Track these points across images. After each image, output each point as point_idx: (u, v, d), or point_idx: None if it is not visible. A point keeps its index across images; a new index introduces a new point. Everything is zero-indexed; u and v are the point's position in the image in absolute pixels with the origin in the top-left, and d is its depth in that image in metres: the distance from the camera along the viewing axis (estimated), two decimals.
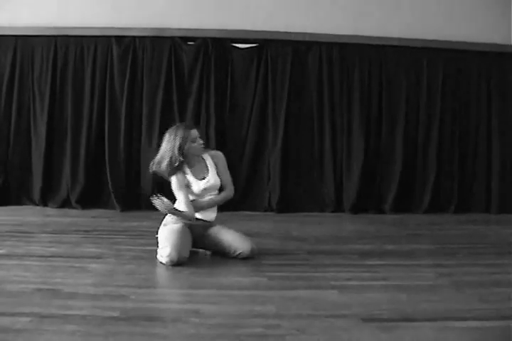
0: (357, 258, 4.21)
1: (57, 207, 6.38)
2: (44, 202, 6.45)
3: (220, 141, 6.57)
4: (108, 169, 6.48)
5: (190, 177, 4.10)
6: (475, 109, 7.09)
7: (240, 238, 4.07)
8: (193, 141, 4.07)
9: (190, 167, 4.13)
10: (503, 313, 2.96)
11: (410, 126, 6.91)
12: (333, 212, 6.63)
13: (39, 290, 3.21)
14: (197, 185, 4.09)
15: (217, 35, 6.55)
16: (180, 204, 3.97)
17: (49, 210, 6.27)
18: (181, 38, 6.56)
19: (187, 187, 4.07)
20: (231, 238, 4.06)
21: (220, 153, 4.32)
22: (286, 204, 6.62)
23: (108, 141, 6.51)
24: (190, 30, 6.52)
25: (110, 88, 6.53)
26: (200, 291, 3.31)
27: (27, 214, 5.96)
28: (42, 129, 6.48)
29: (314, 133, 6.79)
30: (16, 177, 6.53)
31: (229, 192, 4.22)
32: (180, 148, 4.02)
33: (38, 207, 6.35)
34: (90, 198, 6.48)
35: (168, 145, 4.05)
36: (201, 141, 4.14)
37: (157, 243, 4.00)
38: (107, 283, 3.42)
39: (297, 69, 6.73)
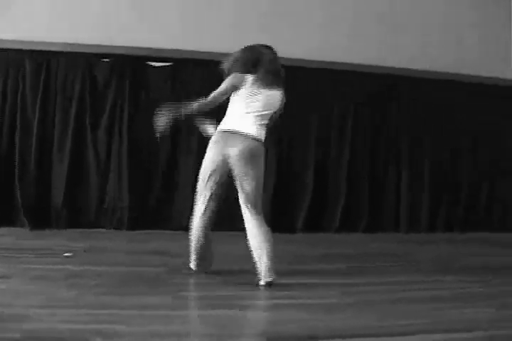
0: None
1: None
2: None
3: (133, 159, 6.54)
4: (18, 186, 6.32)
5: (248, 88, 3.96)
6: (385, 131, 7.35)
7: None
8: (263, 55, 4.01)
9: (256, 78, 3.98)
10: (403, 330, 3.05)
11: (322, 145, 7.09)
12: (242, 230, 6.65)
13: None
14: (253, 95, 3.95)
15: (132, 53, 6.53)
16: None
17: None
18: (96, 54, 6.50)
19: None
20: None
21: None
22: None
23: (18, 158, 6.37)
24: (105, 47, 6.46)
25: (22, 103, 6.39)
26: (106, 311, 3.26)
27: None
28: None
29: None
30: None
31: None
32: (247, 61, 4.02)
33: None
34: None
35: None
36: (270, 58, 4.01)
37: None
38: (10, 304, 3.33)
39: (211, 88, 6.76)
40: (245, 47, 4.07)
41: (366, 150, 7.30)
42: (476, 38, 7.70)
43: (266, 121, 3.99)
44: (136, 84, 6.60)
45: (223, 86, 4.02)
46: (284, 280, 4.03)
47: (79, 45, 6.39)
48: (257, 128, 3.92)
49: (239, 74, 3.97)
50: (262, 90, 3.93)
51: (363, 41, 7.15)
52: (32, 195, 6.37)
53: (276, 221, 6.67)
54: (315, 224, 6.94)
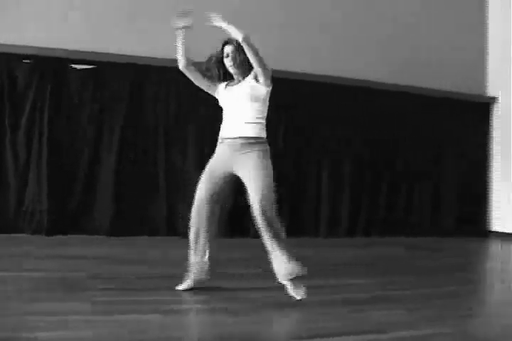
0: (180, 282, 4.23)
1: None
2: None
3: (53, 161, 6.45)
4: None
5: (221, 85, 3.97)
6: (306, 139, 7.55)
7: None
8: (225, 56, 3.90)
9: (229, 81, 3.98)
10: (315, 333, 3.12)
11: None
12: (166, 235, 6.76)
13: None
14: (224, 95, 3.93)
15: (54, 55, 6.44)
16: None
17: None
18: (17, 55, 6.38)
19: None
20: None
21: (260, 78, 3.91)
22: (120, 228, 6.61)
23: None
24: (26, 48, 6.35)
25: None
26: (24, 317, 3.19)
27: None
28: None
29: (151, 154, 6.90)
30: None
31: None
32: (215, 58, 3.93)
33: None
34: None
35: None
36: (230, 59, 3.88)
37: None
38: None
39: (135, 92, 6.79)
40: None
41: (287, 154, 7.43)
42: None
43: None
44: (58, 86, 6.50)
45: None
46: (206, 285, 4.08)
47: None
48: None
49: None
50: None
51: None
52: None
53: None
54: (234, 228, 6.98)
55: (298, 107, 7.51)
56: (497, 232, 8.61)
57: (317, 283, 4.27)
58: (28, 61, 6.44)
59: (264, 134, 3.88)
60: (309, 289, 3.84)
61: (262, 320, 3.36)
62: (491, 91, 8.97)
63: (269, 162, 3.83)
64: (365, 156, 7.88)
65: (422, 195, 8.34)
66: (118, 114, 6.71)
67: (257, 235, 3.93)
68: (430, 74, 8.30)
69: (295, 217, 7.40)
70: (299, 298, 3.77)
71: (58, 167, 6.45)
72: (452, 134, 8.55)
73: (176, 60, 3.96)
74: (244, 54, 3.76)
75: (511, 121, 8.57)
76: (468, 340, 3.15)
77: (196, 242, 3.94)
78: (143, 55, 6.69)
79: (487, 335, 3.25)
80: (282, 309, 3.63)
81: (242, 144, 3.80)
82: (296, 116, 7.49)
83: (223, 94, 3.94)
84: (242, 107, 3.83)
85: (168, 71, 6.66)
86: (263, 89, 3.84)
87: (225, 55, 3.89)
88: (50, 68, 6.47)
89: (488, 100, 8.92)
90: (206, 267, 3.95)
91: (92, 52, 6.53)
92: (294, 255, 3.83)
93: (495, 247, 7.91)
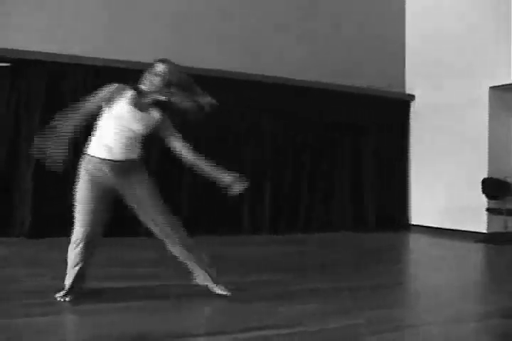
0: (100, 281, 4.15)
1: None
2: None
3: None
4: None
5: (122, 104, 3.68)
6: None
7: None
8: (153, 75, 3.69)
9: (139, 96, 3.73)
10: (220, 329, 3.15)
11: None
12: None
13: None
14: (124, 110, 3.66)
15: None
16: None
17: None
18: None
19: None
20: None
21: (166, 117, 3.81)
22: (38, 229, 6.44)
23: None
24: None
25: None
26: None
27: None
28: None
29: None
30: None
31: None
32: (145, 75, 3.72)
33: None
34: None
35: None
36: (157, 80, 3.68)
37: None
38: None
39: (52, 91, 6.62)
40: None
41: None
42: None
43: None
44: None
45: None
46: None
47: None
48: None
49: None
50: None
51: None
52: None
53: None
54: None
55: None
56: (416, 225, 8.81)
57: (231, 280, 4.27)
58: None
59: None
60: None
61: (158, 320, 3.35)
62: (408, 89, 9.16)
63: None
64: (287, 155, 7.93)
65: (343, 192, 8.45)
66: (35, 112, 6.55)
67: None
68: (350, 71, 8.42)
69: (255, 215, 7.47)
70: (225, 293, 3.89)
71: None
72: (371, 131, 8.69)
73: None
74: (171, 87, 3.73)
75: (428, 118, 8.78)
76: (382, 328, 3.22)
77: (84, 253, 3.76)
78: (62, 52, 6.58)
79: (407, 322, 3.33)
80: (185, 306, 3.65)
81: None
82: None
83: (127, 110, 3.70)
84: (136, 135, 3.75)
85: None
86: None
87: (154, 72, 3.72)
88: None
89: (407, 97, 9.10)
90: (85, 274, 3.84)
91: (9, 49, 6.36)
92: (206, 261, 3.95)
93: (411, 240, 8.14)
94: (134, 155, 3.76)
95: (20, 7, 6.51)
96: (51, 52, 6.53)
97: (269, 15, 7.99)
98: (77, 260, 3.68)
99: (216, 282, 3.94)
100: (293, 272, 4.89)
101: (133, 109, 3.68)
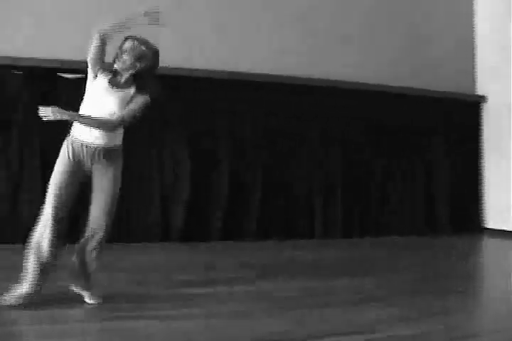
0: (178, 287, 4.29)
1: None
2: None
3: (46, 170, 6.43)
4: None
5: (101, 81, 3.73)
6: (299, 139, 7.59)
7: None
8: (121, 52, 3.70)
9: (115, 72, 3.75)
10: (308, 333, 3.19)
11: (235, 156, 7.24)
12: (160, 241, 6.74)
13: None
14: (101, 91, 3.71)
15: (45, 65, 6.46)
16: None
17: None
18: (7, 66, 6.40)
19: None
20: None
21: (143, 95, 3.76)
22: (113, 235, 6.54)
23: None
24: (17, 59, 6.35)
25: None
26: (21, 327, 3.25)
27: None
28: None
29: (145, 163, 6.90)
30: None
31: (118, 118, 3.70)
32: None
33: None
34: None
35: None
36: (125, 57, 3.67)
37: None
38: None
39: None
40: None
41: (281, 158, 7.47)
42: None
43: None
44: (48, 95, 6.50)
45: None
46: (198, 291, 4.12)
47: None
48: None
49: None
50: None
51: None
52: None
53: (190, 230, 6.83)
54: (231, 233, 7.02)
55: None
56: (491, 229, 8.64)
57: (306, 285, 4.32)
58: (19, 72, 6.45)
59: None
60: (299, 291, 3.90)
61: (257, 323, 3.40)
62: (480, 90, 9.00)
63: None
64: (354, 156, 7.91)
65: (414, 195, 8.36)
66: None
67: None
68: (419, 73, 8.34)
69: (290, 219, 7.45)
70: (94, 302, 3.80)
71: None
72: (442, 133, 8.58)
73: None
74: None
75: (501, 119, 8.60)
76: (460, 335, 3.19)
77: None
78: None
79: (476, 330, 3.32)
80: (271, 311, 3.68)
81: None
82: None
83: (102, 86, 3.74)
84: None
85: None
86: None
87: (122, 49, 3.73)
88: (40, 78, 6.47)
89: (478, 99, 8.94)
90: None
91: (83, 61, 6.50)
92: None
93: (486, 244, 7.97)
94: (116, 141, 3.81)
95: None
96: None
97: (344, 19, 8.00)
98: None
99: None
100: (368, 277, 4.87)
101: (109, 89, 3.71)
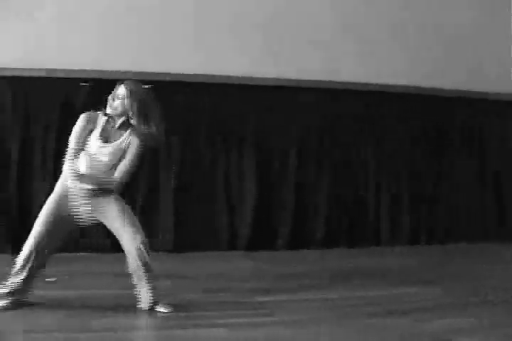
0: (248, 296, 4.29)
1: None
2: None
3: None
4: None
5: (95, 133, 3.76)
6: (362, 148, 7.49)
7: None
8: (113, 98, 3.75)
9: (106, 122, 3.80)
10: None
11: (302, 164, 7.18)
12: (227, 249, 6.73)
13: None
14: (95, 145, 3.75)
15: (109, 77, 6.56)
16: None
17: None
18: (74, 79, 6.53)
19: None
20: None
21: (137, 140, 3.79)
22: (181, 244, 6.62)
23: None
24: (84, 72, 6.48)
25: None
26: (95, 334, 3.30)
27: None
28: None
29: (206, 170, 6.92)
30: None
31: (116, 177, 3.76)
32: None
33: None
34: None
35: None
36: (117, 103, 3.71)
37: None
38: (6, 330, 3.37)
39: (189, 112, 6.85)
40: None
41: (346, 166, 7.39)
42: None
43: None
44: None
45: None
46: (266, 298, 4.11)
47: (56, 70, 6.41)
48: None
49: None
50: None
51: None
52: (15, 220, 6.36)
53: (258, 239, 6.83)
54: (297, 241, 6.98)
55: None
56: None
57: (379, 294, 4.25)
58: (86, 84, 6.59)
59: None
60: (365, 299, 3.85)
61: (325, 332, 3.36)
62: None
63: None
64: (420, 162, 7.75)
65: (484, 199, 8.13)
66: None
67: None
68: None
69: (356, 227, 7.36)
70: (166, 310, 3.79)
71: None
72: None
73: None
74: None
75: None
76: None
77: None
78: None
79: None
80: (346, 320, 3.64)
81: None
82: None
83: (97, 145, 3.77)
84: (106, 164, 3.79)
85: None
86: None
87: (115, 95, 3.76)
88: (106, 90, 6.57)
89: None
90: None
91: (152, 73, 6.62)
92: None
93: None
94: (109, 185, 3.80)
95: None
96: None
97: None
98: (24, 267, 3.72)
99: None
100: (435, 284, 4.77)
101: (101, 144, 3.73)
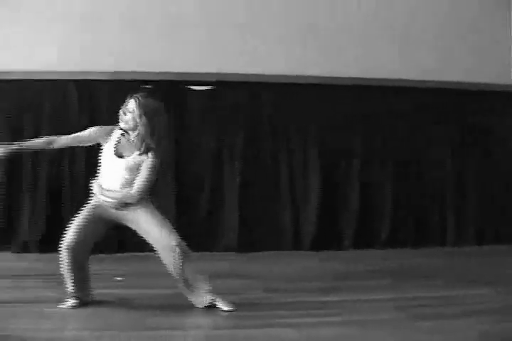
0: (314, 295, 4.27)
1: (16, 252, 6.28)
2: (2, 247, 6.35)
3: (178, 183, 6.67)
4: (67, 213, 6.44)
5: (109, 147, 3.85)
6: (427, 146, 7.32)
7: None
8: (124, 112, 3.78)
9: (121, 136, 3.86)
10: None
11: (366, 161, 7.10)
12: (292, 249, 6.70)
13: None
14: (110, 159, 3.83)
15: (173, 78, 6.66)
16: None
17: (8, 255, 6.17)
18: (137, 81, 6.62)
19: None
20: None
21: (150, 155, 3.80)
22: (245, 243, 6.64)
23: (67, 186, 6.52)
24: (147, 74, 6.56)
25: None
26: (158, 332, 3.35)
27: None
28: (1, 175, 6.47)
29: (271, 172, 6.92)
30: None
31: (133, 191, 3.80)
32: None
33: None
34: (49, 242, 6.40)
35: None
36: (128, 117, 3.74)
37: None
38: (66, 327, 3.45)
39: (252, 111, 6.90)
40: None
41: (411, 165, 7.29)
42: None
43: None
44: (178, 108, 6.68)
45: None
46: (334, 298, 4.09)
47: (120, 72, 6.54)
48: None
49: None
50: None
51: None
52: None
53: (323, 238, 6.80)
54: (363, 240, 6.92)
55: None
56: None
57: (446, 295, 4.18)
58: (149, 86, 6.68)
59: None
60: (437, 300, 3.78)
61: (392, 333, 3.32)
62: None
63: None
64: (486, 160, 7.55)
65: None
66: (238, 132, 6.84)
67: None
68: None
69: (421, 227, 7.24)
70: (229, 309, 3.78)
71: (181, 190, 6.67)
72: None
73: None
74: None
75: None
76: None
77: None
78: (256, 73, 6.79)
79: None
80: (414, 320, 3.60)
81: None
82: None
83: (110, 159, 3.85)
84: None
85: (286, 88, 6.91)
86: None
87: (125, 109, 3.79)
88: (169, 91, 6.66)
89: None
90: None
91: (210, 73, 6.68)
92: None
93: None
94: (129, 199, 3.84)
95: None
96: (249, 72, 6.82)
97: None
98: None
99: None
100: (504, 285, 4.65)
101: (116, 158, 3.78)
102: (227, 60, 6.73)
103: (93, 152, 6.28)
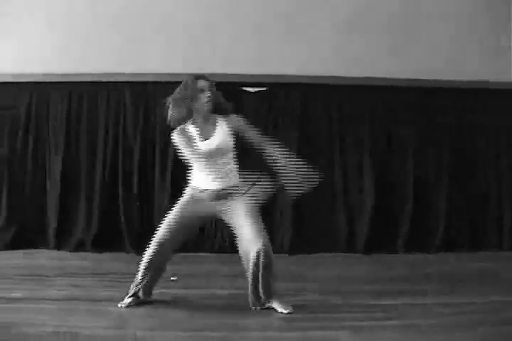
0: (369, 299, 4.23)
1: (71, 251, 6.38)
2: (59, 245, 6.47)
3: None
4: (122, 212, 6.55)
5: (196, 139, 3.85)
6: (483, 146, 7.18)
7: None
8: (201, 91, 3.82)
9: (195, 125, 3.90)
10: None
11: (420, 164, 7.00)
12: (345, 252, 6.62)
13: (56, 333, 3.26)
14: (203, 147, 3.83)
15: (227, 80, 6.67)
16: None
17: (63, 254, 6.27)
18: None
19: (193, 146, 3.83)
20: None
21: (235, 117, 4.01)
22: (298, 245, 6.60)
23: (122, 186, 6.60)
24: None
25: (123, 134, 6.66)
26: (213, 333, 3.35)
27: (42, 258, 6.01)
28: (57, 175, 6.59)
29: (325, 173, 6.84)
30: (30, 222, 6.61)
31: (270, 148, 3.96)
32: (184, 99, 3.82)
33: (53, 251, 6.34)
34: (104, 241, 6.51)
35: (173, 96, 3.88)
36: (208, 94, 3.83)
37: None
38: (122, 326, 3.48)
39: (307, 112, 6.87)
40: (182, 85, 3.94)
41: (465, 166, 7.15)
42: None
43: None
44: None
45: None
46: (389, 301, 4.06)
47: (175, 74, 6.56)
48: None
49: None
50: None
51: None
52: (136, 222, 6.59)
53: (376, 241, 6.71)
54: (417, 244, 6.81)
55: None
56: None
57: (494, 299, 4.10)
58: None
59: None
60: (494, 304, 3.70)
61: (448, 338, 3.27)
62: None
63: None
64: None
65: None
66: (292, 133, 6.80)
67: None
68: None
69: (477, 230, 7.09)
70: (286, 311, 3.77)
71: None
72: None
73: None
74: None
75: None
76: None
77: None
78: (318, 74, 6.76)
79: None
80: (466, 327, 3.53)
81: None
82: None
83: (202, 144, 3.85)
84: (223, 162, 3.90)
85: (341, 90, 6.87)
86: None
87: (199, 90, 3.82)
88: (223, 93, 6.65)
89: None
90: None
91: (263, 75, 6.68)
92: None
93: None
94: (233, 180, 3.88)
95: None
96: (303, 74, 6.80)
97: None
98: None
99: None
100: None
101: (202, 144, 3.79)
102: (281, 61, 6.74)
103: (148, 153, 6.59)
